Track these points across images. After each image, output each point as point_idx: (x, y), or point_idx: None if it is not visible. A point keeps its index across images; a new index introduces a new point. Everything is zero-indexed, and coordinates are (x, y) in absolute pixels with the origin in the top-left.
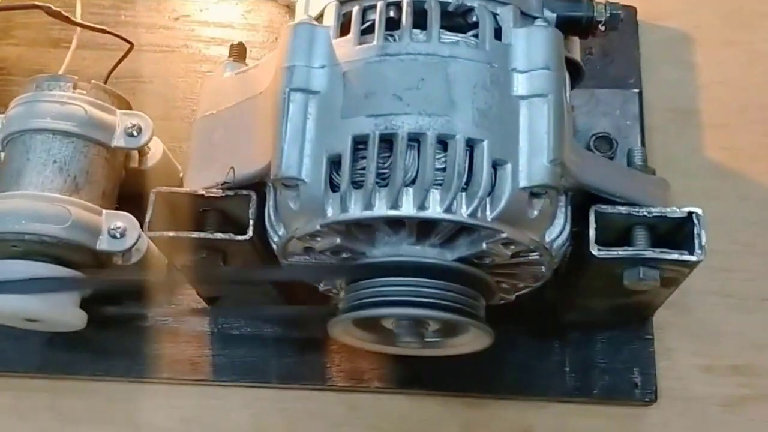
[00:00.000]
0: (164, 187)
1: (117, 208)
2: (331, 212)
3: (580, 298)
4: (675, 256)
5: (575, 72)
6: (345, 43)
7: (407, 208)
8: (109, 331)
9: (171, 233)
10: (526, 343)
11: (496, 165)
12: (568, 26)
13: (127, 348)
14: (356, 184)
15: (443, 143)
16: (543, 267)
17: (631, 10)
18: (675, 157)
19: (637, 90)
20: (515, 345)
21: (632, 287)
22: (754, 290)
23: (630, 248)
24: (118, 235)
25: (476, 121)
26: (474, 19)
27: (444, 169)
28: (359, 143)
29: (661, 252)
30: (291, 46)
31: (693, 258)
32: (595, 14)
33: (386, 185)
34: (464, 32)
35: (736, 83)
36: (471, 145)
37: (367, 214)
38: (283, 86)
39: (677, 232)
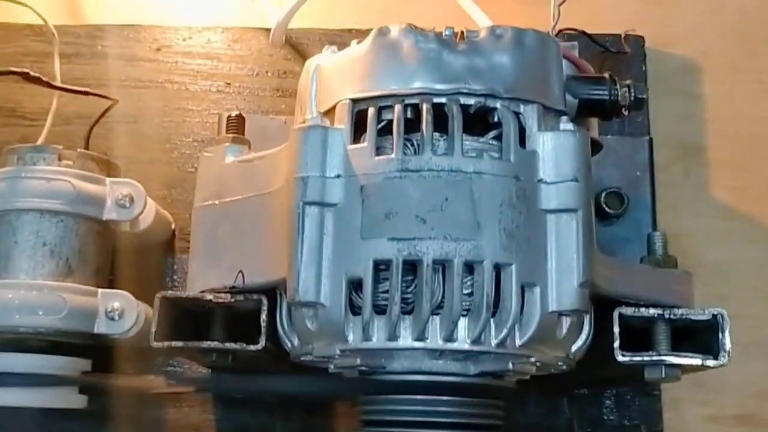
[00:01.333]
0: (170, 292)
1: (111, 280)
2: (352, 338)
3: (594, 371)
4: (698, 361)
5: (593, 147)
6: (361, 152)
7: (434, 339)
8: (111, 396)
9: (180, 343)
10: (535, 403)
11: (524, 287)
12: (589, 109)
13: (129, 414)
14: (378, 308)
15: (470, 266)
16: (563, 366)
17: (640, 41)
18: (682, 198)
19: (647, 137)
20: (525, 405)
21: (652, 381)
22: (758, 337)
23: (654, 353)
24: (116, 317)
25: (503, 243)
26: (496, 118)
27: (471, 294)
28: (381, 266)
29: (684, 356)
30: (303, 154)
31: (716, 362)
32: (618, 98)
33: (410, 312)
34: (487, 131)
35: (744, 116)
36: (498, 268)
37: (392, 345)
38: (297, 199)
39: (701, 329)
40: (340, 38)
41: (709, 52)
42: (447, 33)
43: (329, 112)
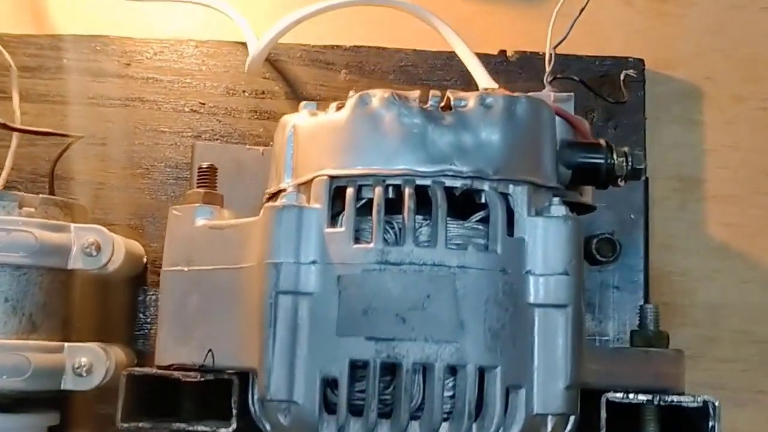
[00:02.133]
0: (136, 368)
1: (79, 328)
2: None
3: None
4: None
5: (585, 209)
6: (339, 238)
7: None
8: None
9: (147, 425)
10: None
11: (509, 390)
12: (583, 177)
13: None
14: (354, 407)
15: (452, 368)
16: None
17: (639, 64)
18: (675, 234)
19: (643, 178)
20: None
21: None
22: (748, 382)
23: None
24: (83, 373)
25: (488, 344)
26: (483, 199)
27: (453, 396)
28: (358, 365)
29: None
30: (276, 237)
31: None
32: (615, 167)
33: (388, 414)
34: (473, 210)
35: (745, 147)
36: (482, 370)
37: None
38: (269, 288)
39: (691, 411)
40: (323, 55)
41: (712, 76)
42: (432, 102)
43: (306, 184)
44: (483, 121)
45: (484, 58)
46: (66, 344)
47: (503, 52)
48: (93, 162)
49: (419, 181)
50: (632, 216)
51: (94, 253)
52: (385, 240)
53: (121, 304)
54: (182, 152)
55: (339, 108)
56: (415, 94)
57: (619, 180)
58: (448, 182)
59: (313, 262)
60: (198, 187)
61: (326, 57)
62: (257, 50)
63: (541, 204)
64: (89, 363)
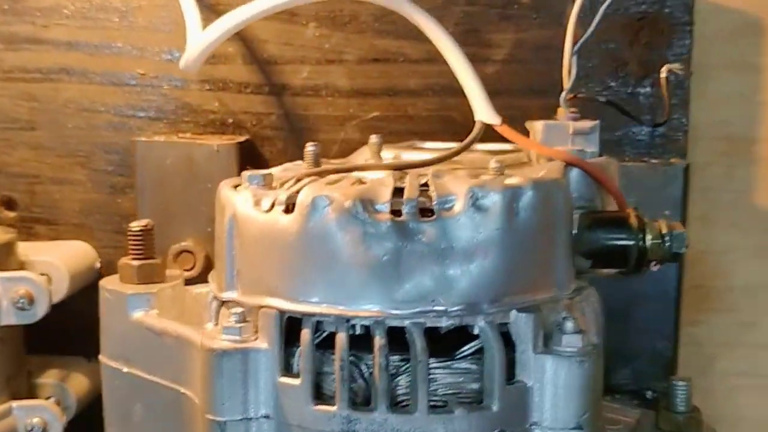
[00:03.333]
0: None
1: (29, 374)
2: None
3: None
4: None
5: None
6: (295, 393)
7: None
8: None
9: None
10: None
11: None
12: (606, 262)
13: None
14: None
15: None
16: None
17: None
18: (720, 205)
19: (684, 163)
20: None
21: None
22: None
23: None
24: None
25: None
26: (476, 330)
27: None
28: None
29: None
30: (218, 390)
31: None
32: (648, 251)
33: None
34: (465, 343)
35: None
36: None
37: None
38: None
39: None
40: None
41: None
42: (408, 209)
43: (253, 309)
44: (476, 233)
45: (489, 2)
46: (14, 404)
47: None
48: (23, 151)
49: (394, 322)
50: (667, 213)
51: (27, 307)
52: (351, 400)
53: (76, 317)
54: (124, 135)
55: (290, 205)
56: (386, 194)
57: (653, 265)
58: (431, 322)
59: (266, 417)
60: (132, 254)
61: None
62: (198, 48)
63: (551, 325)
64: (43, 422)
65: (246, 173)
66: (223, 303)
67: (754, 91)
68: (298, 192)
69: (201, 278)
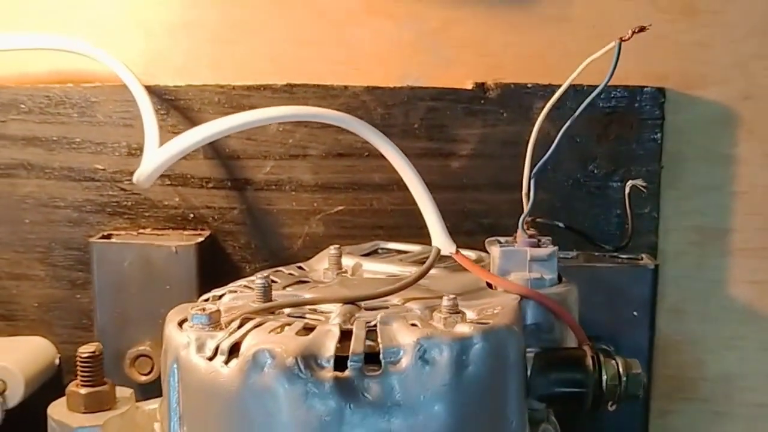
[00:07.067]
0: None
1: None
2: None
3: None
4: None
5: None
6: None
7: None
8: None
9: None
10: None
11: None
12: (562, 405)
13: None
14: None
15: None
16: None
17: (659, 95)
18: (692, 295)
19: (651, 265)
20: None
21: None
22: None
23: None
24: None
25: None
26: None
27: None
28: None
29: None
30: None
31: None
32: (605, 393)
33: None
34: None
35: None
36: None
37: None
38: None
39: None
40: (247, 98)
41: (755, 95)
42: (353, 363)
43: None
44: (423, 389)
45: (456, 94)
46: None
47: (480, 84)
48: None
49: None
50: (635, 313)
51: None
52: None
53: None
54: (83, 230)
55: (232, 355)
56: (330, 347)
57: (609, 405)
58: None
59: None
60: (81, 380)
61: (252, 101)
62: (153, 164)
63: None
64: None
65: (192, 310)
66: None
67: (726, 181)
68: (242, 338)
69: (159, 382)
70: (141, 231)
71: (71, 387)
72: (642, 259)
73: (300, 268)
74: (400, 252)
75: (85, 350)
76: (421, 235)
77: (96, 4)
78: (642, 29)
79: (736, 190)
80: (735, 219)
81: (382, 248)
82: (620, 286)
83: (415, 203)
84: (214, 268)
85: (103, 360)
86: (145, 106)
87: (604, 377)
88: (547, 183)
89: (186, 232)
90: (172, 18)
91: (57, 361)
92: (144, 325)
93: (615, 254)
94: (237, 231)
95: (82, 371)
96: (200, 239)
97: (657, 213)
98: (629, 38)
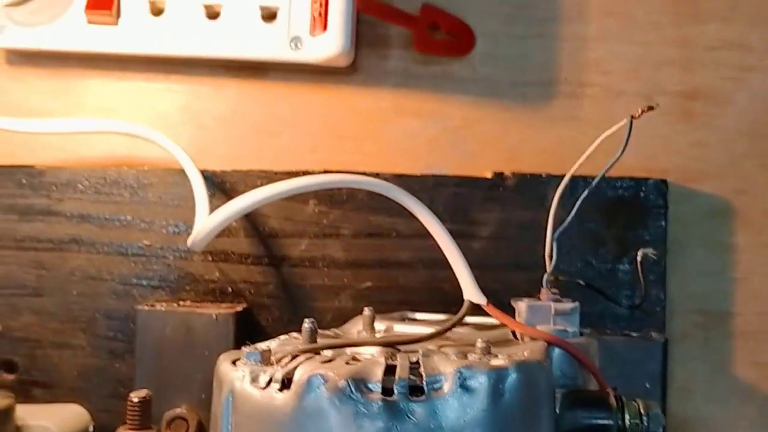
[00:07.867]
0: None
1: None
2: None
3: None
4: None
5: None
6: None
7: None
8: None
9: None
10: None
11: None
12: None
13: None
14: None
15: None
16: None
17: (662, 186)
18: (696, 377)
19: (662, 337)
20: None
21: None
22: None
23: None
24: None
25: None
26: None
27: None
28: None
29: None
30: None
31: None
32: (628, 428)
33: None
34: None
35: None
36: None
37: None
38: None
39: None
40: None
41: (749, 189)
42: (399, 388)
43: None
44: (463, 413)
45: (477, 182)
46: None
47: (499, 174)
48: (27, 316)
49: None
50: (647, 385)
51: None
52: None
53: None
54: (126, 302)
55: (286, 381)
56: (378, 373)
57: None
58: None
59: None
60: (129, 424)
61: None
62: (205, 230)
63: None
64: None
65: (245, 349)
66: None
67: (727, 268)
68: (294, 369)
69: None
70: (182, 302)
71: (120, 431)
72: (652, 336)
73: (335, 331)
74: (426, 321)
75: (136, 395)
76: (446, 311)
77: (154, 97)
78: (651, 108)
79: (735, 276)
80: (736, 303)
81: (410, 318)
82: (632, 359)
83: (439, 280)
84: (250, 339)
85: (152, 406)
86: (196, 181)
87: (627, 416)
88: (561, 263)
89: (224, 305)
90: (222, 111)
91: (91, 429)
92: (181, 389)
93: (626, 332)
94: (271, 304)
95: (131, 416)
96: (239, 308)
97: (664, 295)
98: (640, 116)
